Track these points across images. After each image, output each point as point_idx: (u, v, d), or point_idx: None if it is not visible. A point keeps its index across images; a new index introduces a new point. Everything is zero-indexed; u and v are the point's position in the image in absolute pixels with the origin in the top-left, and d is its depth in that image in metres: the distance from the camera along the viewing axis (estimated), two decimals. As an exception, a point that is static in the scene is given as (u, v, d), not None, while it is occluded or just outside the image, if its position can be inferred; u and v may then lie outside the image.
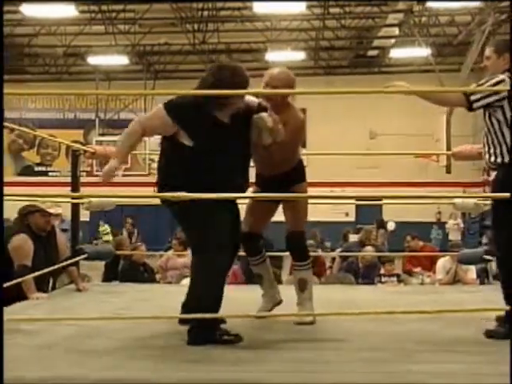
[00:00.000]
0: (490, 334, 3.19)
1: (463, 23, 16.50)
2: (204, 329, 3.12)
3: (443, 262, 7.42)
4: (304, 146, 20.10)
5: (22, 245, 4.55)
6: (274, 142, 3.44)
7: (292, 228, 3.78)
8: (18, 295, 4.29)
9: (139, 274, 7.06)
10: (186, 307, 3.36)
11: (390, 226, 15.59)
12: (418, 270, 8.37)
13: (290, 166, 3.74)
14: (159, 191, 3.33)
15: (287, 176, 3.71)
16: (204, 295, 3.17)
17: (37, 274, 4.38)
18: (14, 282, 4.11)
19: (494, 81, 3.28)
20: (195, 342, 3.08)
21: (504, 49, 3.43)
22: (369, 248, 7.98)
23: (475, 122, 18.52)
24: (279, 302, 3.87)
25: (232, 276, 6.79)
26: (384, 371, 2.67)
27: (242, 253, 3.89)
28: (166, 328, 3.43)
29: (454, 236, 17.15)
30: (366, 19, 16.93)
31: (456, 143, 6.57)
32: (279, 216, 3.90)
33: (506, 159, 3.20)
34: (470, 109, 3.29)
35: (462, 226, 17.83)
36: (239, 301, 3.86)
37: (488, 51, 3.55)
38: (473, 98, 3.25)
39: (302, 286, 3.75)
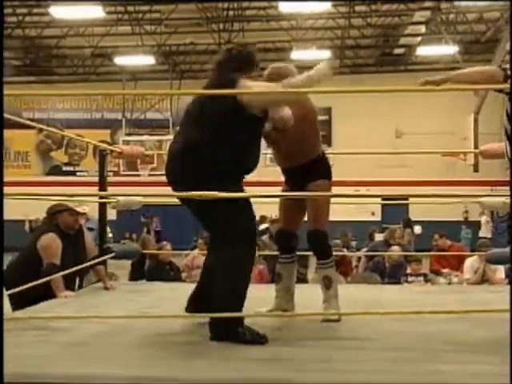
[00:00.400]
0: None
1: (491, 20, 16.29)
2: (229, 326, 3.11)
3: (471, 262, 7.35)
4: (329, 144, 20.05)
5: (50, 244, 4.61)
6: (277, 129, 3.51)
7: (312, 227, 3.75)
8: (47, 294, 4.36)
9: (165, 272, 7.11)
10: (207, 303, 3.23)
11: (417, 229, 15.47)
12: (445, 271, 8.29)
13: (307, 158, 3.71)
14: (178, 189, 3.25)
15: (306, 169, 3.68)
16: (232, 293, 3.14)
17: (65, 272, 4.45)
18: (43, 280, 4.17)
19: None
20: (218, 338, 3.08)
21: None
22: (395, 248, 7.93)
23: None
24: (285, 311, 3.84)
25: (258, 275, 6.81)
26: (411, 371, 2.66)
27: (268, 253, 3.89)
28: (192, 326, 3.45)
29: (484, 233, 17.00)
30: (393, 17, 16.81)
31: (484, 141, 6.50)
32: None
33: None
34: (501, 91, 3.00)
35: (491, 224, 17.69)
36: (266, 300, 3.87)
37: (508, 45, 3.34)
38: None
39: (327, 284, 3.74)
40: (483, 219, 17.84)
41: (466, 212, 19.12)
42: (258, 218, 8.43)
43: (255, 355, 2.89)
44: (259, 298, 3.78)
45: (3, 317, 2.46)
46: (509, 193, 3.01)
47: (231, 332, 3.08)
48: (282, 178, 3.91)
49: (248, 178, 3.35)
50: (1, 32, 2.62)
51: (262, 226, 14.19)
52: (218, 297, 3.17)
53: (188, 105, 3.35)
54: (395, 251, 7.68)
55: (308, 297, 3.95)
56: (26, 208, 10.29)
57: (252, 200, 3.33)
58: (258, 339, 3.09)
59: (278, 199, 3.99)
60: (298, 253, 4.04)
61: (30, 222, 14.78)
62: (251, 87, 3.19)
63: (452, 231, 16.57)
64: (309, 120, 3.77)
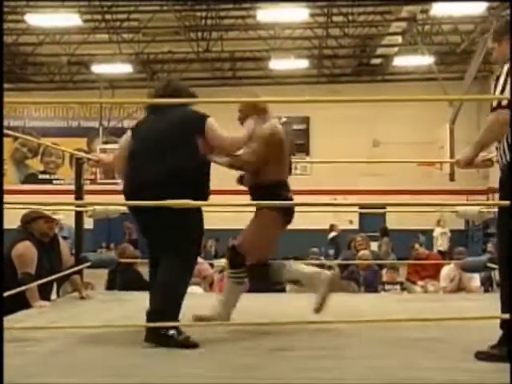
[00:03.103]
0: (481, 357, 2.94)
1: (466, 32, 16.52)
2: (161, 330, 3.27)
3: (447, 270, 7.41)
4: (307, 153, 20.14)
5: (25, 252, 4.55)
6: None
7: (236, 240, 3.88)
8: (22, 303, 4.29)
9: (140, 281, 7.04)
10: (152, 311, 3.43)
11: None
12: (422, 282, 8.32)
13: (256, 181, 3.81)
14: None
15: (255, 193, 3.83)
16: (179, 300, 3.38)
17: (40, 282, 4.39)
18: (18, 290, 4.11)
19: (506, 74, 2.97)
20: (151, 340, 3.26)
21: (502, 32, 3.16)
22: (365, 252, 7.92)
23: (479, 128, 18.52)
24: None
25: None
26: (388, 378, 2.66)
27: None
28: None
29: (440, 245, 16.59)
30: (369, 27, 16.96)
31: (460, 150, 6.57)
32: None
33: None
34: None
35: (449, 234, 17.25)
36: (243, 308, 3.86)
37: (489, 43, 3.33)
38: (504, 103, 2.90)
39: None
40: (438, 231, 17.26)
41: (443, 221, 19.27)
42: (327, 226, 8.08)
43: (231, 363, 2.89)
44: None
45: (3, 318, 2.43)
46: (484, 201, 3.08)
47: (163, 335, 3.24)
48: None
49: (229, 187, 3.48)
50: (1, 33, 2.59)
51: (332, 234, 14.87)
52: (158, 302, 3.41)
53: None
54: (365, 255, 7.67)
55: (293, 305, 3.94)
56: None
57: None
58: (189, 343, 3.23)
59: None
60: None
61: None
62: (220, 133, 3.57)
63: (429, 240, 16.73)
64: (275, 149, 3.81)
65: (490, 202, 2.86)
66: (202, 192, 3.50)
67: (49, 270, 4.60)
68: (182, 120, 3.57)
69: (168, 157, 3.45)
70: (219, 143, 3.59)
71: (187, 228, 3.44)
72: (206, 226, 3.55)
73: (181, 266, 3.42)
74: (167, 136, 3.51)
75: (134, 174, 3.54)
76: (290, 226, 3.90)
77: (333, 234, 15.43)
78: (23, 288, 4.23)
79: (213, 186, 3.55)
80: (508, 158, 3.03)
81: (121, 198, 3.61)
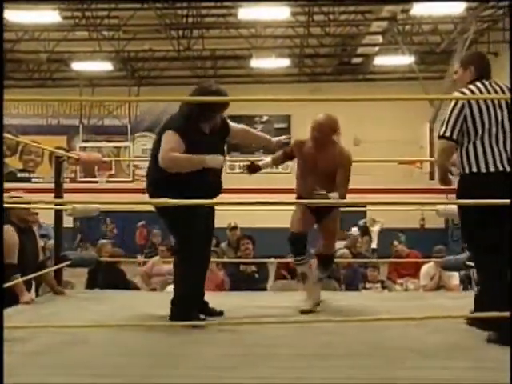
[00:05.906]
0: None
1: (446, 32, 16.64)
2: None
3: (427, 269, 7.46)
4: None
5: (7, 239, 4.44)
6: None
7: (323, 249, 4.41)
8: (8, 296, 4.22)
9: (123, 280, 7.00)
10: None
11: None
12: (401, 280, 8.38)
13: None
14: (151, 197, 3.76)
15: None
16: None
17: (25, 278, 4.33)
18: (7, 285, 4.04)
19: (451, 108, 3.60)
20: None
21: (468, 62, 3.67)
22: (345, 251, 7.94)
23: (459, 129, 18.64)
24: (319, 303, 4.20)
25: (220, 283, 6.77)
26: (370, 378, 2.67)
27: (226, 260, 3.89)
28: (149, 336, 3.41)
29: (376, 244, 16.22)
30: (350, 27, 17.02)
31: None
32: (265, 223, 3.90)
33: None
34: (456, 141, 3.54)
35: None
36: (224, 306, 3.85)
37: (456, 66, 3.85)
38: (447, 134, 3.52)
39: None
40: (375, 230, 16.71)
41: (423, 219, 19.41)
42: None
43: (214, 363, 2.88)
44: (220, 305, 3.77)
45: (3, 317, 2.40)
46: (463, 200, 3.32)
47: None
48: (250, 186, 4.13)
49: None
50: (1, 34, 2.58)
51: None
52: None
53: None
54: (344, 254, 7.70)
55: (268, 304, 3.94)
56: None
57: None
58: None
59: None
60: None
61: None
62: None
63: (409, 238, 16.80)
64: (342, 167, 4.40)
65: (470, 201, 2.89)
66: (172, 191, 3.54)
67: (32, 254, 4.62)
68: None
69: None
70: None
71: (175, 227, 3.77)
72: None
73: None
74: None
75: None
76: (271, 225, 3.95)
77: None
78: (13, 283, 4.18)
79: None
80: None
81: (100, 197, 3.60)
